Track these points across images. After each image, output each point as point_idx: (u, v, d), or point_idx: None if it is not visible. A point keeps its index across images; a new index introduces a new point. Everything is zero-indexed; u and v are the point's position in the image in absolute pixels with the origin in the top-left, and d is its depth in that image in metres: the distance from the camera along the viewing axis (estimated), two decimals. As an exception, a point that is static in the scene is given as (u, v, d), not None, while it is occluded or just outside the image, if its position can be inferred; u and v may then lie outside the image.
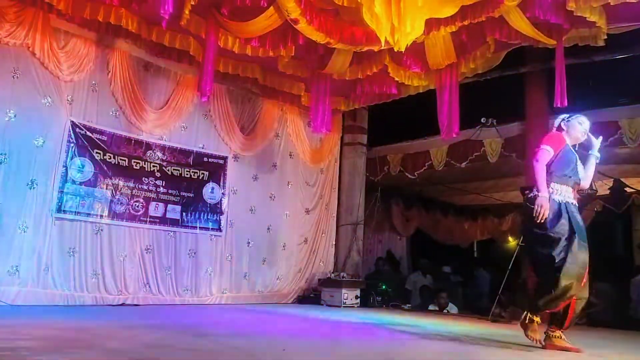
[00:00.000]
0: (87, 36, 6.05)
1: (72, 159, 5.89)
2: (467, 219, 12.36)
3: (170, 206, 6.72)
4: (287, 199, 8.10)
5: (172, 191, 6.75)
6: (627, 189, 10.13)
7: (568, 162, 3.95)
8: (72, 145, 5.90)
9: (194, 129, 7.05)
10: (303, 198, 8.35)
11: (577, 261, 3.65)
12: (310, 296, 7.97)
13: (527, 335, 3.81)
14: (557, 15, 5.31)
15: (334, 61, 6.68)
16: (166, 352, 2.95)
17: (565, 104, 5.65)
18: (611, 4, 4.93)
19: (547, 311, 3.81)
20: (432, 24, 5.61)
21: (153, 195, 6.58)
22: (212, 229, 7.09)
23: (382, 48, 5.87)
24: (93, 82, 6.13)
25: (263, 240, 7.70)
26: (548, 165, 3.91)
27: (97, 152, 6.10)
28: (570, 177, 3.95)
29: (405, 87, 7.29)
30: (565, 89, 5.67)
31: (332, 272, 8.27)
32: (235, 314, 5.65)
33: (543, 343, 3.76)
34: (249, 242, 7.49)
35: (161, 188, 6.65)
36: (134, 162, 6.44)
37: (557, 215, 3.76)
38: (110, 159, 6.21)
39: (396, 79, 6.88)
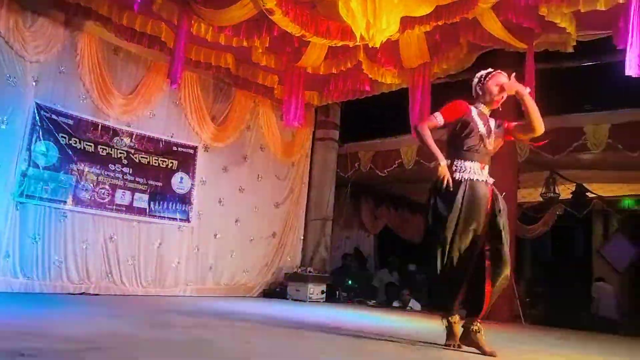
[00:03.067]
0: (55, 17, 5.88)
1: (36, 142, 5.72)
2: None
3: (137, 194, 6.60)
4: (257, 192, 8.05)
5: (139, 179, 6.62)
6: (589, 194, 10.41)
7: (469, 133, 3.50)
8: (37, 128, 5.72)
9: (163, 116, 6.93)
10: (273, 192, 8.31)
11: (465, 243, 3.39)
12: (276, 290, 7.95)
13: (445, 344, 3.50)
14: (529, 19, 5.40)
15: (309, 54, 6.66)
16: (124, 342, 2.89)
17: (534, 108, 5.74)
18: (581, 11, 5.03)
19: (453, 301, 3.48)
20: (407, 23, 5.64)
21: (120, 182, 6.44)
22: (180, 219, 6.99)
23: (357, 44, 5.89)
24: (60, 65, 5.96)
25: (231, 232, 7.63)
26: (449, 139, 3.61)
27: (62, 136, 5.93)
28: (475, 150, 3.51)
29: (379, 84, 7.32)
30: (534, 93, 5.77)
31: (299, 267, 8.26)
32: (200, 306, 5.59)
33: (461, 346, 3.45)
34: (216, 234, 7.41)
35: (128, 176, 6.52)
36: (101, 148, 6.29)
37: (455, 194, 3.41)
38: (75, 143, 6.05)
39: (370, 75, 6.90)
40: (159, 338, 3.16)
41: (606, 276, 11.05)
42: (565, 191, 10.09)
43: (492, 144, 3.58)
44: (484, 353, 3.34)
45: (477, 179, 3.49)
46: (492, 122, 3.62)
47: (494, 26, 5.64)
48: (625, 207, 11.64)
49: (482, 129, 3.52)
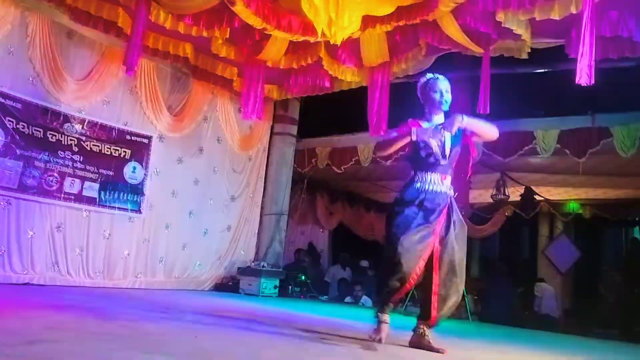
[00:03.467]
0: (5, -5, 5.62)
1: (-21, 125, 5.46)
2: (388, 216, 12.68)
3: (87, 183, 6.39)
4: (212, 185, 7.94)
5: (90, 167, 6.42)
6: (536, 197, 10.80)
7: (424, 152, 3.57)
8: (-19, 110, 5.47)
9: (117, 104, 6.73)
10: (229, 185, 8.21)
11: (412, 247, 3.36)
12: (228, 284, 7.88)
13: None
14: (486, 25, 5.53)
15: (269, 48, 6.62)
16: (68, 335, 2.81)
17: (488, 111, 5.91)
18: (537, 19, 5.20)
19: (388, 299, 3.52)
20: (368, 21, 5.68)
21: (69, 170, 6.22)
22: (131, 210, 6.82)
23: (319, 40, 5.89)
24: (9, 45, 5.69)
25: (184, 225, 7.50)
26: (408, 155, 3.69)
27: (9, 120, 5.67)
28: (434, 164, 3.57)
29: (339, 81, 7.34)
30: (488, 97, 5.93)
31: (253, 261, 8.22)
32: (148, 299, 5.48)
33: (381, 341, 3.45)
34: (168, 226, 7.27)
35: (78, 164, 6.30)
36: (50, 134, 6.06)
37: (411, 202, 3.49)
38: (23, 128, 5.80)
39: (330, 72, 6.91)
40: (105, 331, 3.08)
41: (550, 277, 11.52)
42: (514, 193, 10.43)
43: (448, 158, 3.60)
44: (432, 351, 3.43)
45: (437, 190, 3.55)
46: (444, 134, 3.57)
47: (452, 29, 5.75)
48: (570, 211, 12.14)
49: (435, 148, 3.56)
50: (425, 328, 3.53)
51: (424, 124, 3.66)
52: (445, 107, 3.70)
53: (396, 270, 3.37)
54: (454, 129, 3.48)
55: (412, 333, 3.60)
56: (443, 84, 3.68)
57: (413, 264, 3.37)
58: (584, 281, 12.18)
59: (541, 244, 12.95)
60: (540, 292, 10.01)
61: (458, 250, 3.48)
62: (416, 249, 3.39)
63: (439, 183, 3.57)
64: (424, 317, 3.54)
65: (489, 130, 3.65)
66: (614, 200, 11.26)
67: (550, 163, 8.55)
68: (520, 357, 3.97)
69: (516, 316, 9.46)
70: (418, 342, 3.53)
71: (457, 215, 3.56)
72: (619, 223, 13.02)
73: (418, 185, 3.56)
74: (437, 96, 3.65)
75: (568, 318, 10.67)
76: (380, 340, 3.44)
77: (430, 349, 3.45)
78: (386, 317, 3.53)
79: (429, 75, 3.77)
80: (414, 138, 3.54)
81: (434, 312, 3.45)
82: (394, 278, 3.40)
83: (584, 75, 4.61)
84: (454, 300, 3.49)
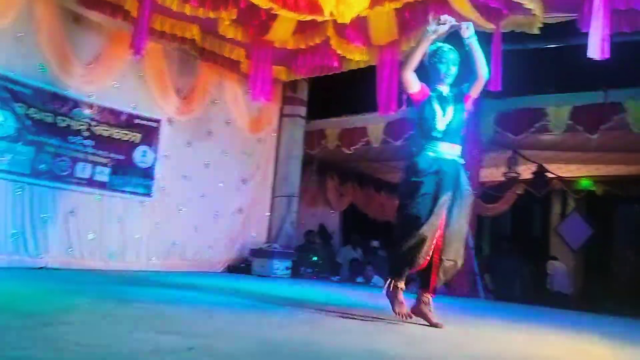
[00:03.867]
0: (10, -20, 5.60)
1: (-9, 111, 5.50)
2: (399, 196, 12.68)
3: (98, 168, 6.44)
4: (222, 167, 7.95)
5: (100, 152, 6.46)
6: (548, 174, 10.71)
7: (432, 118, 3.60)
8: (-8, 96, 5.49)
9: (126, 88, 6.73)
10: (239, 167, 8.23)
11: (436, 219, 3.43)
12: (241, 266, 7.94)
13: (393, 310, 3.55)
14: None
15: (277, 28, 6.56)
16: (84, 317, 2.85)
17: (500, 87, 5.84)
18: (548, -7, 5.10)
19: (409, 270, 3.55)
20: (377, -1, 5.60)
21: (80, 155, 6.27)
22: (142, 194, 6.87)
23: (326, 19, 5.82)
24: (17, 32, 5.69)
25: (195, 207, 7.54)
26: (417, 122, 3.70)
27: (19, 106, 5.71)
28: (440, 130, 3.60)
29: (347, 61, 7.27)
30: (500, 73, 5.85)
31: (264, 243, 8.26)
32: (162, 281, 5.54)
33: (411, 316, 3.55)
34: (180, 209, 7.32)
35: (89, 148, 6.35)
36: (60, 119, 6.09)
37: (428, 171, 3.52)
38: (34, 114, 5.84)
39: (338, 52, 6.84)
40: (120, 313, 3.12)
41: (562, 254, 11.47)
42: (525, 171, 10.35)
43: (455, 123, 3.65)
44: (430, 324, 3.48)
45: (449, 158, 3.60)
46: (450, 101, 3.67)
47: (462, 5, 5.65)
48: (582, 188, 12.03)
49: (442, 115, 3.61)
50: (428, 297, 3.57)
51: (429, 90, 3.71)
52: (449, 81, 3.72)
53: (422, 246, 3.40)
54: (467, 31, 3.58)
55: (414, 301, 3.63)
56: (452, 56, 3.68)
57: (434, 237, 3.45)
58: (596, 258, 12.11)
59: (553, 222, 12.87)
60: (553, 270, 10.00)
61: (460, 218, 3.53)
62: (437, 224, 3.45)
63: (449, 151, 3.62)
64: (425, 284, 3.58)
65: (483, 64, 3.66)
66: (627, 177, 11.11)
67: (562, 140, 8.45)
68: (534, 334, 3.97)
69: (528, 294, 9.48)
70: (419, 311, 3.57)
71: (465, 184, 3.60)
72: (631, 200, 12.89)
73: (431, 153, 3.58)
74: (443, 68, 3.67)
75: (580, 295, 10.66)
76: (410, 316, 3.52)
77: (429, 320, 3.51)
78: (402, 284, 3.57)
79: (440, 44, 3.74)
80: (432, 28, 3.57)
81: (434, 278, 3.51)
82: (420, 255, 3.42)
83: (597, 50, 4.53)
84: (454, 264, 3.53)
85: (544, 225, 13.69)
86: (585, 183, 11.91)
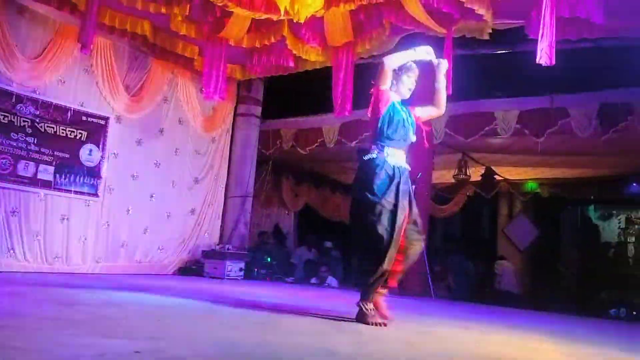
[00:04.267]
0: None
1: None
2: (354, 197, 12.76)
3: (42, 166, 6.18)
4: (174, 167, 7.79)
5: (44, 150, 6.20)
6: (496, 177, 11.01)
7: (397, 123, 3.64)
8: None
9: (72, 84, 6.49)
10: (192, 167, 8.07)
11: (398, 232, 3.47)
12: (192, 268, 7.79)
13: (369, 324, 3.44)
14: (449, 4, 5.54)
15: (231, 26, 6.47)
16: (24, 321, 2.71)
17: (450, 92, 5.94)
18: (498, -1, 5.24)
19: (379, 290, 3.58)
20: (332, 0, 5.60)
21: (23, 153, 6.00)
22: (88, 193, 6.63)
23: (282, 18, 5.78)
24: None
25: (145, 208, 7.35)
26: (381, 128, 3.65)
27: (-44, 101, 5.42)
28: (402, 139, 3.67)
29: (303, 61, 7.25)
30: (451, 77, 5.96)
31: (217, 244, 8.13)
32: (109, 284, 5.36)
33: (387, 321, 3.53)
34: (129, 210, 7.11)
35: (32, 146, 6.08)
36: (2, 115, 5.81)
37: (389, 182, 3.53)
38: (-28, 109, 5.55)
39: (294, 51, 6.81)
40: (65, 317, 2.98)
41: (510, 255, 11.81)
42: (475, 173, 10.61)
43: (413, 134, 3.76)
44: (382, 317, 3.53)
45: (404, 167, 3.67)
46: (408, 113, 3.79)
47: (415, 9, 5.73)
48: (528, 190, 12.44)
49: (406, 122, 3.69)
50: (382, 291, 3.62)
51: (393, 95, 3.76)
52: (407, 96, 3.82)
53: (386, 256, 3.42)
54: (441, 71, 3.79)
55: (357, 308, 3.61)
56: (416, 73, 3.79)
57: (398, 245, 3.51)
58: (543, 259, 12.55)
59: (501, 223, 13.25)
60: (501, 270, 10.27)
61: (416, 212, 3.66)
62: (400, 234, 3.51)
63: (403, 160, 3.70)
64: (384, 282, 3.60)
65: (444, 101, 3.86)
66: (571, 180, 11.58)
67: (510, 143, 8.71)
68: (484, 333, 4.06)
69: (477, 293, 9.71)
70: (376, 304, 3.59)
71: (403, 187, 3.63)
72: (575, 202, 13.43)
73: (391, 160, 3.60)
74: (409, 82, 3.76)
75: (528, 294, 11.00)
76: (386, 321, 3.51)
77: (379, 312, 3.55)
78: (371, 304, 3.55)
79: (407, 61, 3.80)
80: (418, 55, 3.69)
81: (398, 269, 3.56)
82: (386, 265, 3.44)
83: (544, 56, 4.67)
84: (415, 250, 3.62)
85: (492, 227, 14.08)
86: (531, 185, 12.32)
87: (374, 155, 3.62)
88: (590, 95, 7.19)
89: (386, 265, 3.43)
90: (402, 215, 3.50)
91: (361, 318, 3.50)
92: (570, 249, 11.70)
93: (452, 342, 3.40)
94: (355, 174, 3.81)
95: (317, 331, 3.20)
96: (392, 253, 3.45)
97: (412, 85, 3.78)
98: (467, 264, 9.97)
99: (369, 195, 3.51)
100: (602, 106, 6.94)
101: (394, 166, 3.59)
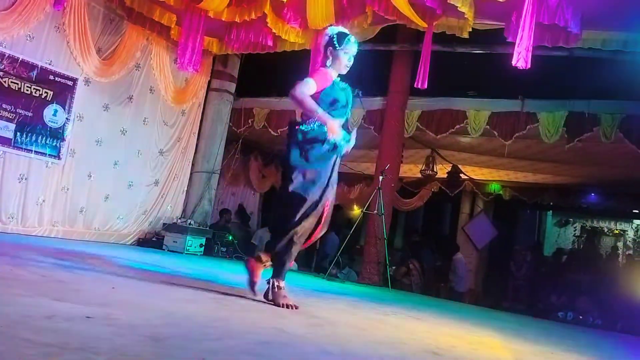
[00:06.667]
0: None
1: None
2: (320, 184, 12.78)
3: (2, 122, 5.96)
4: (141, 136, 7.63)
5: (6, 106, 5.98)
6: (462, 175, 11.20)
7: (334, 102, 3.50)
8: None
9: (42, 41, 6.26)
10: (158, 138, 7.92)
11: (320, 205, 3.40)
12: (152, 239, 7.68)
13: (279, 305, 3.30)
14: (433, -1, 5.56)
15: (212, -2, 6.34)
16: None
17: (425, 86, 6.00)
18: (481, -1, 5.28)
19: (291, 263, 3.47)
20: (316, -19, 5.55)
21: (-18, 107, 5.77)
22: (49, 155, 6.44)
23: (264, -6, 5.69)
24: None
25: (108, 175, 7.19)
26: (326, 100, 3.48)
27: None
28: (337, 117, 3.50)
29: (282, 41, 7.18)
30: (427, 72, 6.01)
31: (180, 218, 8.04)
32: (64, 249, 5.23)
33: (297, 306, 3.37)
34: (90, 175, 6.94)
35: (-6, 100, 5.85)
36: (-37, 65, 5.57)
37: (328, 156, 3.47)
38: None
39: (273, 30, 6.73)
40: (14, 277, 2.90)
41: (467, 252, 12.06)
42: (442, 170, 10.76)
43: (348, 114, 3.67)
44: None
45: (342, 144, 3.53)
46: (349, 91, 3.67)
47: (399, 0, 5.73)
48: (491, 191, 12.70)
49: (342, 100, 3.57)
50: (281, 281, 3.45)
51: (333, 73, 3.57)
52: (345, 71, 3.63)
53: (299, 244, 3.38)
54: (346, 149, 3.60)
55: (267, 285, 3.48)
56: (354, 49, 3.58)
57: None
58: (497, 258, 12.87)
59: (462, 221, 13.50)
60: (455, 265, 10.46)
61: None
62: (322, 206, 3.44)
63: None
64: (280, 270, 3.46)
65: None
66: (532, 185, 11.87)
67: (478, 143, 8.86)
68: (435, 325, 4.14)
69: (434, 286, 9.92)
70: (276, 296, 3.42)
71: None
72: (534, 206, 13.79)
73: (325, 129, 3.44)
74: (345, 59, 3.55)
75: (481, 292, 11.28)
76: (297, 306, 3.37)
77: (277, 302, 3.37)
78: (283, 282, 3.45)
79: (346, 33, 3.62)
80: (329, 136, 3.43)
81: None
82: (300, 235, 3.38)
83: (520, 59, 4.76)
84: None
85: (453, 224, 14.35)
86: (494, 187, 12.58)
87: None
88: (560, 102, 7.35)
89: (297, 235, 3.37)
90: (329, 192, 3.46)
91: (272, 297, 3.38)
92: (523, 250, 12.04)
93: (403, 330, 3.46)
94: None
95: (272, 310, 3.20)
96: (306, 226, 3.38)
97: (349, 62, 3.57)
98: (435, 257, 10.17)
99: (304, 164, 3.44)
100: (570, 114, 7.11)
101: (334, 141, 3.46)
